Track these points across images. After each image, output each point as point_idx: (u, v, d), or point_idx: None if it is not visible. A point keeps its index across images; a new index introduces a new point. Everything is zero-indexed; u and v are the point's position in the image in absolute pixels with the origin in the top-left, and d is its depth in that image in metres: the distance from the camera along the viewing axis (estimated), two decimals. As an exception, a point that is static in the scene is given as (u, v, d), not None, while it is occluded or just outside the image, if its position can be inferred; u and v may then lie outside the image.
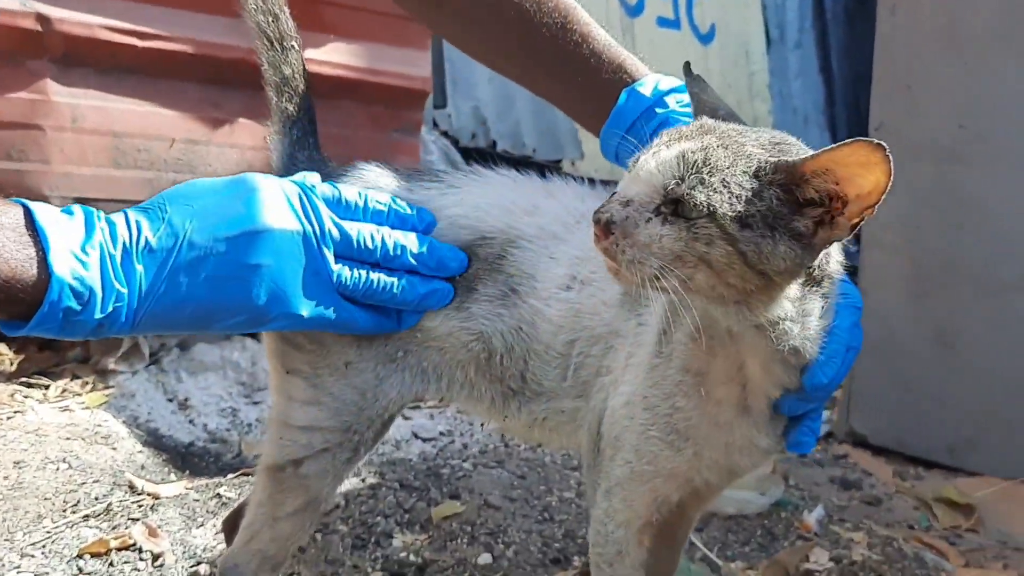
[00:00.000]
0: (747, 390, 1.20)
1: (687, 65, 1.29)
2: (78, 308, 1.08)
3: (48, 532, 2.03)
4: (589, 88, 1.46)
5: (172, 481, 2.38)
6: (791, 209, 1.04)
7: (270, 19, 1.46)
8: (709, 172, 1.04)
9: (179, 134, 2.97)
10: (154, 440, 2.62)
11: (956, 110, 2.54)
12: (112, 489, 2.26)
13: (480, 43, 1.57)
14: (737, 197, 1.03)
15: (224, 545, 2.00)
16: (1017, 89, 2.46)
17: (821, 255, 1.09)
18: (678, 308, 1.07)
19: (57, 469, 2.29)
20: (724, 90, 6.59)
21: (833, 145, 1.01)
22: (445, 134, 4.80)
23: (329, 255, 1.26)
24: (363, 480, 2.41)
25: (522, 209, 1.40)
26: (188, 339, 3.11)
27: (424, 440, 2.76)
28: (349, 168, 1.49)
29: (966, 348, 2.63)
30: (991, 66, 2.48)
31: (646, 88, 1.41)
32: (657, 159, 1.07)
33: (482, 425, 2.84)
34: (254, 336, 3.14)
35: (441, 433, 2.82)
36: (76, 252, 1.08)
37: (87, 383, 2.87)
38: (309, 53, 3.17)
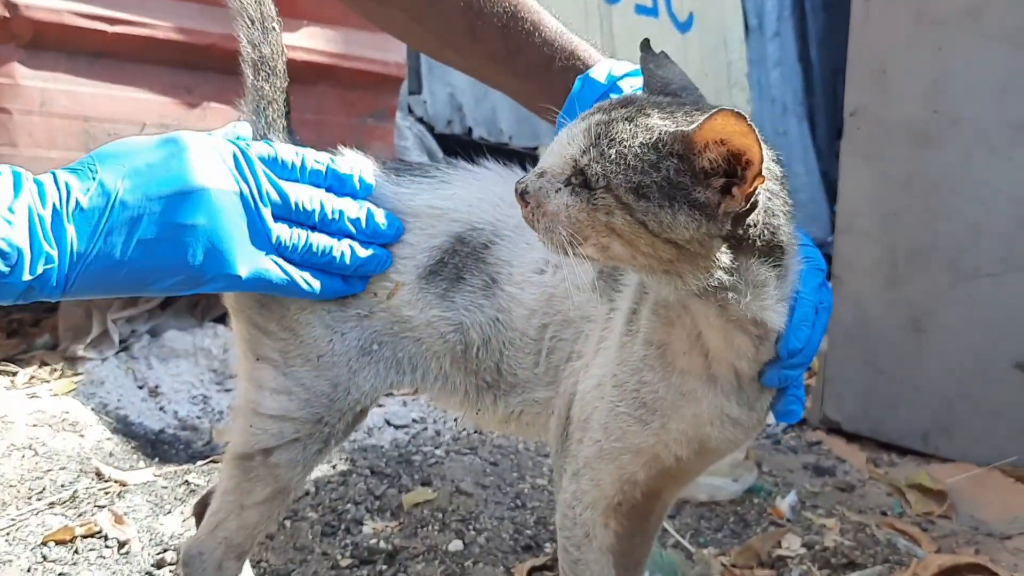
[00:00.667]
0: (710, 359, 1.21)
1: (645, 42, 1.28)
2: (5, 270, 1.05)
3: (12, 519, 2.01)
4: (543, 78, 1.44)
5: (140, 468, 2.36)
6: (693, 179, 1.04)
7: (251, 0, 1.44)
8: (608, 144, 1.06)
9: (150, 118, 2.94)
10: (123, 427, 2.60)
11: (930, 95, 2.54)
12: (79, 476, 2.24)
13: (428, 37, 1.54)
14: (633, 168, 1.04)
15: (191, 532, 1.99)
16: (989, 74, 2.46)
17: (761, 226, 1.09)
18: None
19: (23, 456, 2.28)
20: (702, 79, 6.58)
21: (707, 115, 1.01)
22: (421, 120, 4.78)
23: (267, 214, 1.24)
24: (334, 467, 2.40)
25: (507, 202, 1.39)
26: (159, 325, 3.09)
27: (397, 427, 2.75)
28: (330, 155, 1.47)
29: (939, 334, 2.63)
30: (964, 51, 2.49)
31: (599, 74, 1.39)
32: (568, 133, 1.10)
33: (456, 420, 2.83)
34: (225, 323, 3.12)
35: (414, 420, 2.81)
36: (1, 213, 1.05)
37: (55, 370, 2.85)
38: (283, 38, 3.16)
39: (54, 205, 1.09)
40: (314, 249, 1.29)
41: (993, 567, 2.04)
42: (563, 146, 1.10)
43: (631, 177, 1.04)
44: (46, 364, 2.89)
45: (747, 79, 6.99)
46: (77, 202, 1.10)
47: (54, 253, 1.08)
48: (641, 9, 6.11)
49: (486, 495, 2.33)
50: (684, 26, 6.50)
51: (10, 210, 1.06)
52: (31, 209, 1.07)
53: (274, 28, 1.46)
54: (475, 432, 2.75)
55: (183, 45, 2.92)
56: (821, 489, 2.54)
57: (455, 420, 2.82)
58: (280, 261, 1.27)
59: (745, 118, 0.98)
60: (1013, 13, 2.40)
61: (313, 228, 1.30)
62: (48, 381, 2.78)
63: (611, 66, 1.41)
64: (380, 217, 1.36)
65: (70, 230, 1.09)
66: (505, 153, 3.62)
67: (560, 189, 1.08)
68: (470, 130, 5.08)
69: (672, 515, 2.30)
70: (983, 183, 2.50)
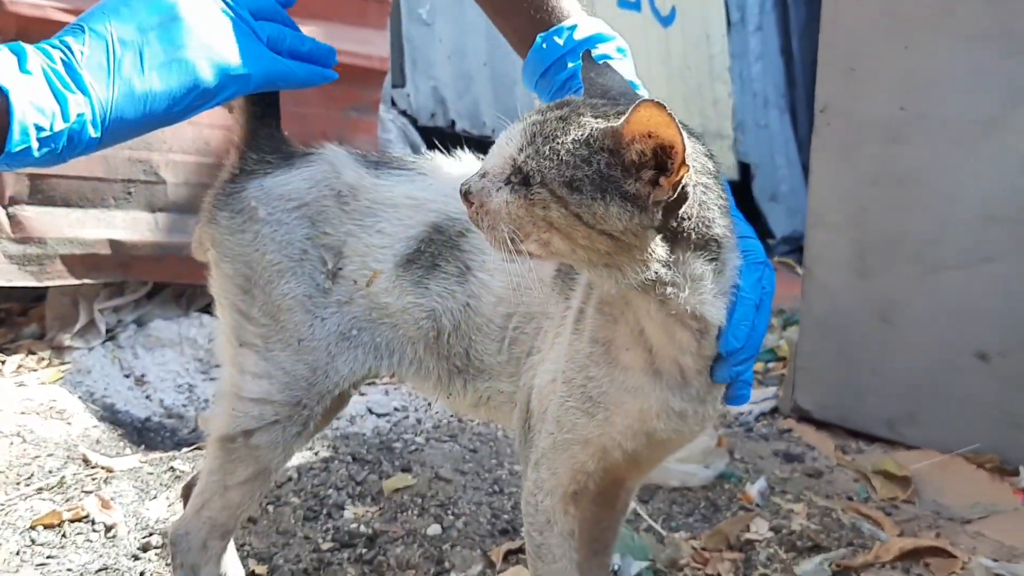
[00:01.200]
0: (654, 355, 1.24)
1: (587, 53, 1.30)
2: (44, 125, 1.07)
3: (2, 505, 2.06)
4: (521, 25, 1.46)
5: (127, 455, 2.41)
6: (623, 172, 1.08)
7: None
8: (543, 141, 1.10)
9: (135, 111, 2.98)
10: (110, 415, 2.65)
11: (898, 92, 2.60)
12: (66, 463, 2.29)
13: None
14: (566, 163, 1.08)
15: (176, 517, 2.04)
16: (955, 71, 2.52)
17: (695, 219, 1.13)
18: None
19: (11, 443, 2.32)
20: (684, 72, 6.63)
21: (632, 109, 1.06)
22: (404, 113, 4.82)
23: (249, 15, 1.27)
24: (316, 454, 2.45)
25: None
26: (145, 315, 3.13)
27: (378, 415, 2.80)
28: (313, 149, 1.53)
29: (906, 325, 2.69)
30: (930, 49, 2.54)
31: (561, 37, 1.41)
32: (507, 134, 1.14)
33: (429, 404, 2.88)
34: (211, 312, 3.16)
35: (396, 408, 2.86)
36: (16, 76, 1.07)
37: (43, 359, 2.89)
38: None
39: (62, 59, 1.11)
40: (295, 40, 1.31)
41: (952, 550, 2.10)
42: (502, 147, 1.13)
43: (564, 172, 1.08)
44: (33, 353, 2.93)
45: (729, 72, 7.04)
46: (81, 52, 1.12)
47: (81, 99, 1.10)
48: (624, 3, 6.15)
49: (465, 481, 2.38)
50: (667, 20, 6.54)
51: (25, 71, 1.07)
52: (44, 68, 1.09)
53: None
54: (456, 420, 2.80)
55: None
56: (790, 475, 2.60)
57: (430, 404, 2.87)
58: (274, 54, 1.29)
59: (666, 108, 1.02)
60: (979, 13, 2.46)
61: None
62: (36, 370, 2.82)
63: (574, 27, 1.42)
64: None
65: (86, 76, 1.11)
66: (488, 145, 3.65)
67: (500, 188, 1.12)
68: (453, 123, 5.12)
69: (645, 500, 2.36)
70: (949, 178, 2.55)
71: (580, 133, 1.10)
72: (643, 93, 1.35)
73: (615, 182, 1.08)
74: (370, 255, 1.45)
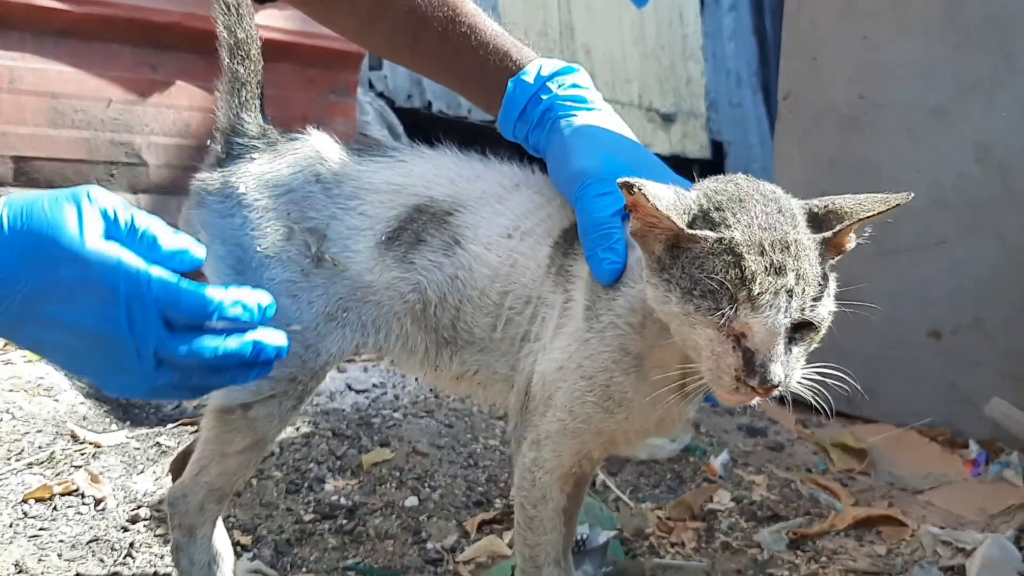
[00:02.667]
0: (687, 378, 1.25)
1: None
2: None
3: (-6, 479, 2.11)
4: (480, 79, 1.52)
5: (114, 431, 2.46)
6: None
7: None
8: (806, 289, 1.15)
9: (116, 95, 3.03)
10: (95, 392, 2.68)
11: (856, 81, 2.69)
12: (55, 439, 2.33)
13: (376, 40, 1.62)
14: (819, 287, 1.17)
15: (163, 491, 2.12)
16: (910, 62, 2.61)
17: None
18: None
19: (1, 420, 2.36)
20: (658, 52, 6.70)
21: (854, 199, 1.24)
22: (381, 95, 4.85)
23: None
24: (297, 429, 2.51)
25: (465, 178, 1.50)
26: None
27: (357, 391, 2.86)
28: (296, 135, 1.57)
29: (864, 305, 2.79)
30: (887, 41, 2.63)
31: (530, 76, 1.48)
32: (777, 308, 1.14)
33: (416, 379, 2.95)
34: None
35: (374, 385, 2.92)
36: None
37: (28, 337, 2.93)
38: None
39: None
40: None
41: (903, 518, 2.21)
42: (780, 324, 1.13)
43: (819, 294, 1.17)
44: (19, 332, 2.97)
45: (702, 51, 7.11)
46: None
47: None
48: (599, -17, 6.21)
49: (441, 455, 2.45)
50: (640, 1, 6.59)
51: None
52: None
53: (248, 13, 1.54)
54: (432, 396, 2.87)
55: (147, 24, 3.02)
56: (753, 448, 2.70)
57: (415, 380, 2.92)
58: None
59: None
60: (931, 7, 2.55)
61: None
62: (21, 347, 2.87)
63: (540, 66, 1.49)
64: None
65: None
66: (464, 126, 3.72)
67: (790, 352, 1.17)
68: (430, 104, 5.15)
69: (614, 473, 2.44)
70: (903, 164, 2.65)
71: (818, 256, 1.18)
72: (630, 135, 1.46)
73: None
74: (351, 237, 1.48)
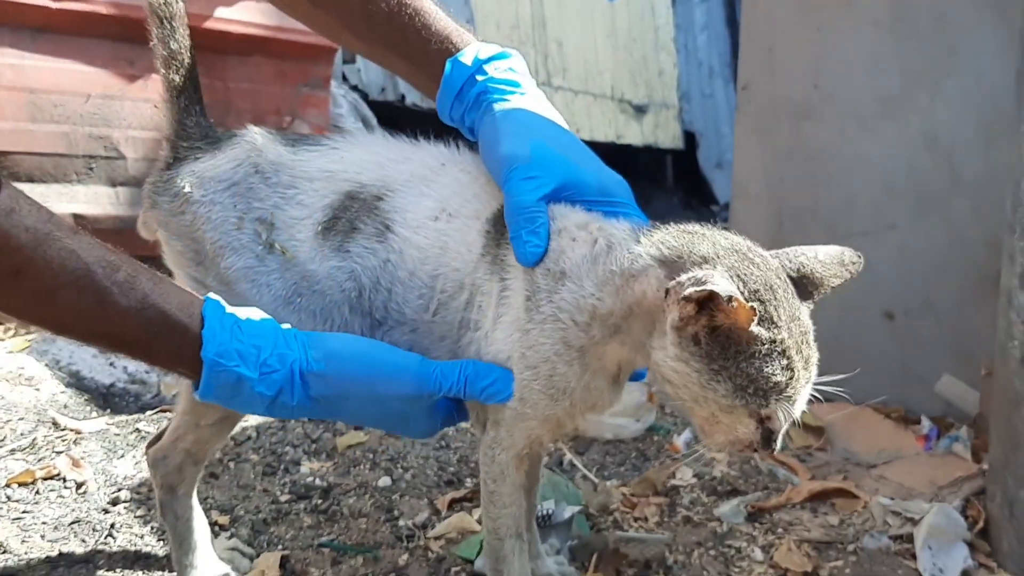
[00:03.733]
0: (622, 369, 1.43)
1: None
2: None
3: (-23, 465, 2.16)
4: (422, 60, 1.55)
5: (94, 418, 2.52)
6: None
7: (162, 1, 1.59)
8: None
9: (94, 90, 3.08)
10: (76, 382, 2.75)
11: (810, 72, 2.77)
12: (36, 426, 2.39)
13: (329, 22, 1.63)
14: None
15: (143, 474, 2.19)
16: (861, 54, 2.69)
17: None
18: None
19: (-18, 408, 2.43)
20: (630, 44, 6.76)
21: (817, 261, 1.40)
22: (355, 88, 4.89)
23: None
24: (273, 414, 2.57)
25: (393, 160, 1.54)
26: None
27: (333, 378, 2.92)
28: (236, 132, 1.63)
29: (823, 288, 2.88)
30: (839, 32, 2.71)
31: (467, 58, 1.51)
32: (805, 400, 1.31)
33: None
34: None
35: (349, 371, 2.98)
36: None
37: (9, 328, 2.98)
38: (219, 11, 3.27)
39: None
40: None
41: (856, 491, 2.28)
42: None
43: None
44: (0, 323, 3.03)
45: (674, 43, 7.17)
46: None
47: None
48: (570, -24, 6.27)
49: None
50: (612, -7, 6.66)
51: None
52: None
53: (181, 25, 1.61)
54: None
55: (124, 19, 3.04)
56: (715, 428, 2.77)
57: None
58: None
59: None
60: (879, 0, 2.65)
61: None
62: (3, 339, 2.93)
63: (478, 50, 1.52)
64: None
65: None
66: (437, 119, 3.77)
67: None
68: (403, 97, 5.19)
69: (581, 452, 2.51)
70: (855, 153, 2.74)
71: None
72: (561, 121, 1.51)
73: None
74: (294, 227, 1.53)
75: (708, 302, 1.18)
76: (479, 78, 1.50)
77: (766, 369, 1.22)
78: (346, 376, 1.37)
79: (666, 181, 7.82)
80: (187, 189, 1.55)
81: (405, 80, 1.70)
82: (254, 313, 1.38)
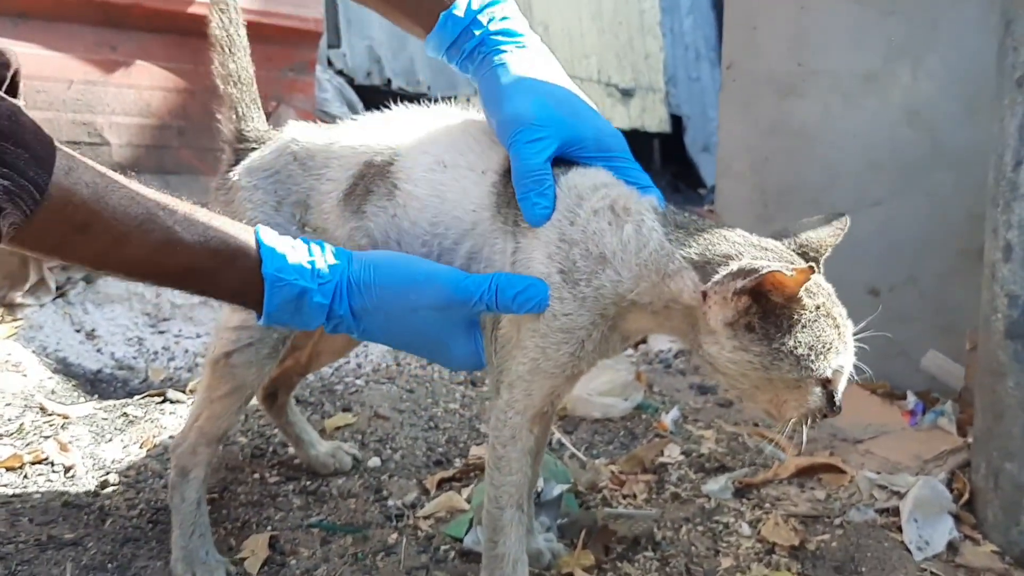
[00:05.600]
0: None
1: None
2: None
3: (-36, 451, 2.16)
4: (415, 12, 1.57)
5: (81, 403, 2.52)
6: None
7: (225, 35, 1.80)
8: None
9: (77, 76, 3.07)
10: (63, 368, 2.75)
11: (793, 50, 2.78)
12: (24, 411, 2.39)
13: None
14: None
15: (131, 458, 2.20)
16: (843, 30, 2.71)
17: None
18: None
19: (-31, 395, 2.42)
20: (616, 28, 6.76)
21: (812, 233, 1.47)
22: (340, 72, 4.89)
23: None
24: (261, 398, 2.58)
25: (403, 125, 1.63)
26: (93, 273, 3.22)
27: (320, 361, 2.93)
28: (281, 127, 1.78)
29: (808, 266, 2.90)
30: (822, 9, 2.73)
31: (460, 10, 1.53)
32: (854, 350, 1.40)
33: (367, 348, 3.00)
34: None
35: (337, 354, 2.99)
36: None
37: (-6, 315, 2.98)
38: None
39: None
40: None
41: (843, 466, 2.31)
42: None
43: None
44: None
45: (660, 27, 7.17)
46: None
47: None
48: (555, -40, 6.26)
49: (402, 419, 2.51)
50: (597, -24, 6.65)
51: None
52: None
53: (241, 48, 1.80)
54: (394, 364, 2.95)
55: (106, 5, 3.04)
56: (703, 405, 2.80)
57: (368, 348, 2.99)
58: None
59: None
60: (862, -24, 2.66)
61: None
62: (-11, 326, 2.92)
63: (469, 0, 1.54)
64: None
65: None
66: (424, 102, 3.77)
67: None
68: (389, 81, 5.21)
69: (569, 431, 2.53)
70: (839, 129, 2.75)
71: None
72: (560, 72, 1.53)
73: None
74: (325, 201, 1.64)
75: (761, 287, 1.27)
76: (475, 32, 1.52)
77: (819, 332, 1.31)
78: (383, 285, 1.40)
79: (654, 165, 7.83)
80: (235, 178, 1.73)
81: (399, 25, 1.70)
82: (297, 241, 1.42)
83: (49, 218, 1.17)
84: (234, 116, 1.80)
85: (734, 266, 1.27)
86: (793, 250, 1.41)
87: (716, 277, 1.28)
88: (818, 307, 1.32)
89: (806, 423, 1.38)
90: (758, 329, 1.31)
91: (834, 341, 1.33)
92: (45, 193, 1.15)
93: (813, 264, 1.31)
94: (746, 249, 1.35)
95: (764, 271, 1.23)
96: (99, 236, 1.24)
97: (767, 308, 1.30)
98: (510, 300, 1.40)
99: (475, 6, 1.53)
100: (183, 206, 1.33)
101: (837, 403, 1.37)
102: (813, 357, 1.31)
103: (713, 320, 1.32)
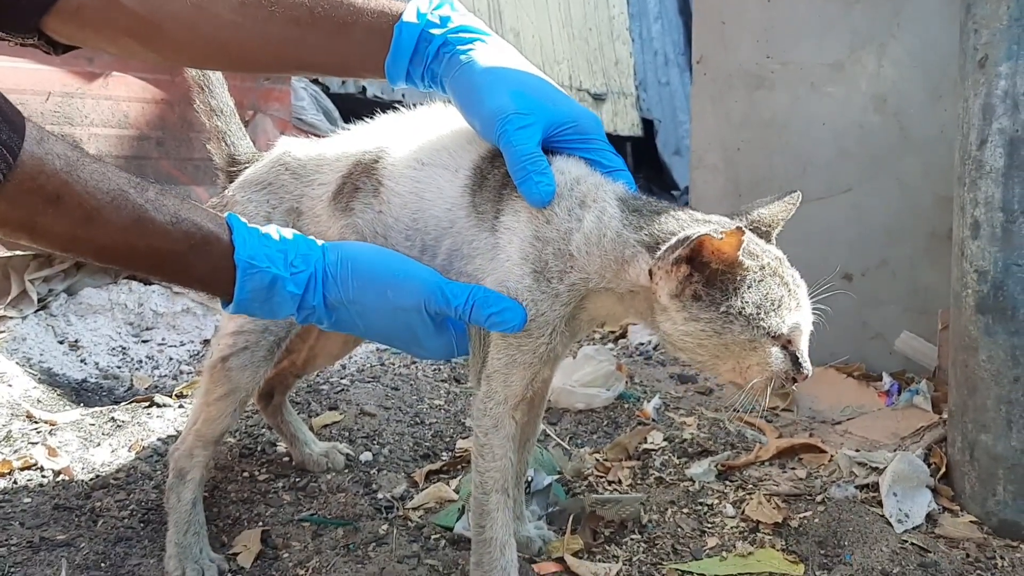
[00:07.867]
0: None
1: None
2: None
3: (-47, 458, 2.16)
4: (361, 42, 1.52)
5: (68, 411, 2.53)
6: None
7: (199, 75, 1.92)
8: None
9: (55, 88, 3.08)
10: (48, 378, 2.76)
11: (762, 42, 2.83)
12: (11, 419, 2.40)
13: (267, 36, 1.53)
14: None
15: (120, 461, 2.20)
16: (809, 20, 2.76)
17: None
18: None
19: (-45, 406, 2.42)
20: (586, 34, 6.82)
21: (765, 209, 1.50)
22: (316, 81, 4.90)
23: None
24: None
25: (388, 127, 1.69)
26: (75, 284, 3.22)
27: (305, 363, 2.94)
28: (258, 135, 1.82)
29: (783, 254, 2.96)
30: (789, 1, 2.79)
31: (411, 15, 1.51)
32: (809, 307, 1.44)
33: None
34: (138, 279, 3.29)
35: (321, 355, 3.00)
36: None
37: (-21, 328, 2.98)
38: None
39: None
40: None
41: (822, 446, 2.34)
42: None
43: None
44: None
45: (629, 33, 7.23)
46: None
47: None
48: (523, -33, 6.31)
49: (388, 415, 2.53)
50: (566, -17, 6.70)
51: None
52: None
53: (220, 85, 1.93)
54: (379, 364, 2.97)
55: (81, 17, 3.06)
56: (684, 394, 2.83)
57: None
58: None
59: None
60: (826, -32, 2.72)
61: None
62: (-28, 339, 2.92)
63: (417, 5, 1.52)
64: None
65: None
66: (399, 110, 3.79)
67: None
68: (364, 89, 5.22)
69: (554, 423, 2.55)
70: (808, 119, 2.81)
71: None
72: (526, 63, 1.55)
73: None
74: (316, 205, 1.69)
75: (698, 254, 1.30)
76: (433, 31, 1.51)
77: (766, 290, 1.34)
78: (362, 280, 1.41)
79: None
80: (229, 193, 1.80)
81: (346, 75, 1.78)
82: (272, 229, 1.43)
83: (21, 187, 1.16)
84: (224, 145, 1.91)
85: (672, 240, 1.31)
86: (745, 225, 1.43)
87: (658, 253, 1.33)
88: (763, 267, 1.35)
89: (771, 385, 1.39)
90: (704, 297, 1.33)
91: (784, 298, 1.36)
92: (17, 159, 1.14)
93: (741, 225, 1.31)
94: (690, 224, 1.38)
95: (695, 236, 1.26)
96: (70, 210, 1.23)
97: (710, 276, 1.33)
98: (484, 318, 1.43)
99: (423, 9, 1.52)
100: (153, 188, 1.32)
101: (803, 364, 1.39)
102: (763, 315, 1.33)
103: (662, 295, 1.35)
